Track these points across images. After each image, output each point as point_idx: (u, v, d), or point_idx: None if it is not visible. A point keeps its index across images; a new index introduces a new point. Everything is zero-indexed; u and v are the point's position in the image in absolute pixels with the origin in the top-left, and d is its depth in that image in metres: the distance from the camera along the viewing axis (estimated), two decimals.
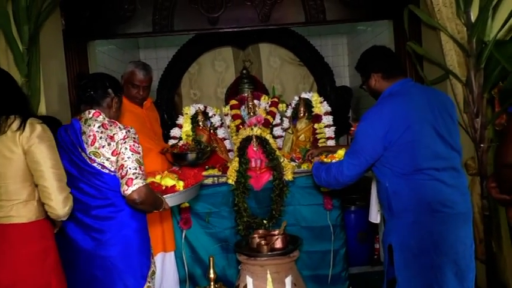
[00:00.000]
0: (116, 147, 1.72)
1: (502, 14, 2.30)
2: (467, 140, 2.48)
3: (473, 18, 2.37)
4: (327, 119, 2.89)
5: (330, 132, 2.87)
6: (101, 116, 1.80)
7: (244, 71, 4.27)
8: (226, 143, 2.99)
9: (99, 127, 1.75)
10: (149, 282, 1.85)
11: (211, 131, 2.96)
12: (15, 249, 1.53)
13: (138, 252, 1.83)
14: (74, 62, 2.86)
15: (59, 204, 1.55)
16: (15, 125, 1.54)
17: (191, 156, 2.53)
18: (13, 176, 1.54)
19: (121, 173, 1.71)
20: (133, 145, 1.74)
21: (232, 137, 2.94)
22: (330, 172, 2.01)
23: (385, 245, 1.93)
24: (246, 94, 3.20)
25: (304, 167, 2.68)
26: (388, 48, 2.08)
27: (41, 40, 2.38)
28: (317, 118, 2.89)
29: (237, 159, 2.63)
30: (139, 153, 1.76)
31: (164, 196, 1.92)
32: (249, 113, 3.01)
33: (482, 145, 2.40)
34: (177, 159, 2.58)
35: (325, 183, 2.10)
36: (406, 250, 1.83)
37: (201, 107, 2.97)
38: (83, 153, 1.75)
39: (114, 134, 1.73)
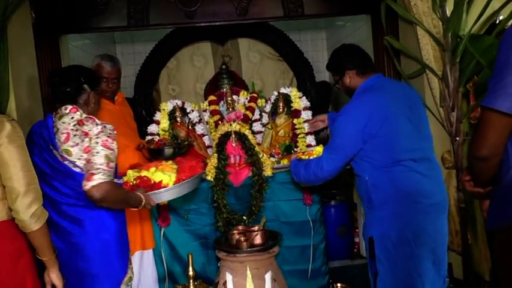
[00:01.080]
0: (89, 144, 1.65)
1: (476, 9, 2.33)
2: (443, 134, 2.52)
3: (448, 12, 2.39)
4: (306, 114, 2.88)
5: (309, 127, 2.86)
6: (78, 112, 1.72)
7: (224, 66, 4.23)
8: (205, 139, 2.95)
9: (74, 125, 1.68)
10: None
11: (190, 127, 2.92)
12: None
13: (115, 256, 1.77)
14: (46, 57, 2.75)
15: (23, 207, 1.48)
16: None
17: (168, 151, 2.50)
18: None
19: (86, 167, 1.65)
20: (107, 140, 1.66)
21: (211, 133, 2.90)
22: (309, 168, 2.02)
23: (366, 238, 1.96)
24: (224, 89, 3.16)
25: (284, 162, 2.67)
26: (357, 46, 2.13)
27: (9, 34, 2.28)
28: (296, 113, 2.88)
29: (215, 155, 2.60)
30: (112, 149, 1.68)
31: (150, 192, 1.87)
32: (227, 109, 2.98)
33: (457, 138, 2.43)
34: (154, 154, 2.53)
35: (304, 180, 2.10)
36: (387, 242, 1.86)
37: (179, 102, 2.92)
38: (54, 151, 1.69)
39: (89, 130, 1.66)
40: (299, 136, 2.83)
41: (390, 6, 2.62)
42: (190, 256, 2.26)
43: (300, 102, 2.91)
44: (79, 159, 1.66)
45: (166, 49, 4.37)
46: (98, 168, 1.62)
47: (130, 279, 1.83)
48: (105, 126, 1.69)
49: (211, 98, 3.03)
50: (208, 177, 2.56)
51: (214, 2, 2.93)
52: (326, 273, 2.70)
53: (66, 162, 1.67)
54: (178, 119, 2.87)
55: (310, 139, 2.84)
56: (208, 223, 2.61)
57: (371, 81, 1.98)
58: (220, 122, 2.86)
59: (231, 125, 2.68)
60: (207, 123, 2.97)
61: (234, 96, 3.03)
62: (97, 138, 1.66)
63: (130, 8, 2.85)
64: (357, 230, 3.43)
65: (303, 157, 2.13)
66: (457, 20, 2.35)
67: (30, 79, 2.63)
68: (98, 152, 1.64)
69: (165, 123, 2.82)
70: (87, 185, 1.60)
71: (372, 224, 1.92)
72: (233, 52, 4.51)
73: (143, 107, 4.22)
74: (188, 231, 2.61)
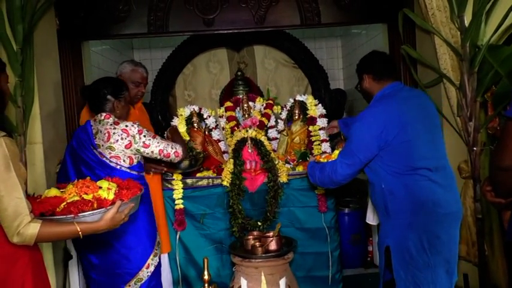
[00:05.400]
0: (133, 141, 2.04)
1: (495, 19, 2.32)
2: (461, 144, 2.51)
3: (466, 22, 2.39)
4: (322, 122, 2.90)
5: (324, 134, 2.88)
6: (110, 118, 2.08)
7: (239, 73, 4.27)
8: (221, 144, 2.99)
9: (111, 124, 2.05)
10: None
11: (206, 132, 2.96)
12: None
13: (145, 235, 2.15)
14: (68, 62, 2.84)
15: (11, 231, 1.39)
16: None
17: (184, 164, 2.49)
18: None
19: (164, 155, 2.15)
20: (149, 133, 2.13)
21: (227, 138, 2.93)
22: (324, 171, 2.04)
23: (382, 247, 1.96)
24: (241, 96, 3.20)
25: (299, 169, 2.69)
26: (385, 54, 2.17)
27: (35, 40, 2.36)
28: (312, 120, 2.90)
29: (231, 161, 2.63)
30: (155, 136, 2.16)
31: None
32: (243, 115, 3.01)
33: (475, 148, 2.42)
34: (170, 167, 2.52)
35: (320, 182, 2.13)
36: (404, 251, 1.87)
37: (196, 108, 2.96)
38: (94, 150, 2.05)
39: (129, 129, 2.05)
40: (314, 143, 2.85)
41: (408, 15, 2.63)
42: (205, 260, 2.27)
43: (315, 109, 2.93)
44: (122, 151, 2.04)
45: (182, 55, 4.44)
46: (167, 147, 2.15)
47: (156, 254, 2.19)
48: (139, 125, 2.10)
49: (228, 104, 3.07)
50: (224, 183, 2.59)
51: (233, 10, 2.97)
52: (340, 281, 2.70)
53: (104, 159, 2.04)
54: (195, 124, 2.91)
55: (326, 146, 2.85)
56: (223, 228, 2.63)
57: (388, 89, 2.01)
58: (236, 128, 2.89)
59: (247, 131, 2.71)
60: (223, 129, 3.00)
61: (250, 103, 3.07)
62: (144, 136, 2.08)
63: (150, 15, 2.91)
64: (370, 239, 3.41)
65: (321, 160, 2.15)
66: (476, 30, 2.35)
67: (54, 83, 2.71)
68: (158, 143, 2.12)
69: (182, 128, 2.87)
70: (176, 159, 2.21)
71: (388, 232, 1.93)
72: (249, 59, 4.55)
73: (159, 112, 4.29)
74: (203, 236, 2.64)
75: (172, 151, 2.16)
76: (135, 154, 2.09)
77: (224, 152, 2.96)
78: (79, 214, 1.44)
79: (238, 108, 3.06)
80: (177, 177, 2.62)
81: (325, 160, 2.11)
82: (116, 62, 3.89)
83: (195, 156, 2.60)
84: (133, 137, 2.04)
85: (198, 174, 2.69)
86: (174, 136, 2.45)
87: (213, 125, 2.99)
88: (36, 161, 2.40)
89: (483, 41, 2.36)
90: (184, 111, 2.94)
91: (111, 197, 1.53)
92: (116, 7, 2.89)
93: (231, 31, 3.06)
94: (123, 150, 2.04)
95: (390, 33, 3.08)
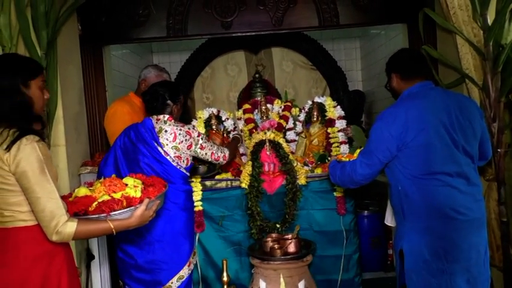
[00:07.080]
0: (193, 143, 2.23)
1: None
2: None
3: (489, 21, 2.34)
4: (341, 124, 2.88)
5: (343, 136, 2.86)
6: (173, 120, 2.26)
7: (257, 75, 4.28)
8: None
9: (176, 126, 2.21)
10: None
11: (225, 134, 2.97)
12: (21, 251, 1.49)
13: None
14: (90, 66, 2.91)
15: (49, 230, 1.45)
16: (5, 143, 1.42)
17: (202, 169, 2.54)
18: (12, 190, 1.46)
19: (214, 158, 2.35)
20: (205, 136, 2.37)
21: (245, 141, 2.94)
22: (345, 170, 2.02)
23: (397, 249, 1.92)
24: (259, 98, 3.20)
25: (318, 171, 2.67)
26: (415, 51, 2.13)
27: (58, 45, 2.42)
28: (330, 122, 2.88)
29: (250, 163, 2.64)
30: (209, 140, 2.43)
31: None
32: (262, 117, 3.02)
33: (499, 150, 2.35)
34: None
35: (340, 181, 2.11)
36: (417, 255, 1.82)
37: (215, 111, 2.99)
38: (158, 147, 2.19)
39: (191, 132, 2.24)
40: (333, 145, 2.84)
41: (428, 15, 2.59)
42: (225, 262, 2.29)
43: (334, 111, 2.91)
44: (184, 153, 2.23)
45: (201, 58, 4.49)
46: (217, 151, 2.36)
47: (195, 253, 2.39)
48: (197, 129, 2.32)
49: (246, 106, 3.08)
50: (243, 185, 2.60)
51: (250, 12, 2.99)
52: (359, 284, 2.67)
53: (167, 157, 2.20)
54: (214, 126, 2.94)
55: (344, 148, 2.83)
56: (242, 230, 2.64)
57: (415, 88, 1.93)
58: (254, 130, 2.90)
59: (265, 133, 2.71)
60: (242, 131, 3.01)
61: (268, 105, 3.07)
62: (201, 139, 2.29)
63: (169, 19, 2.96)
64: (390, 242, 3.37)
65: (343, 159, 2.12)
66: (499, 29, 2.29)
67: (76, 87, 2.77)
68: (211, 145, 2.35)
69: (201, 130, 2.89)
70: (223, 162, 2.42)
71: (402, 236, 1.89)
72: (266, 61, 4.57)
73: None
74: (222, 238, 2.65)
75: (221, 155, 2.38)
76: (191, 155, 2.28)
77: (242, 154, 2.96)
78: (111, 213, 1.51)
79: (256, 110, 3.07)
80: (195, 179, 2.64)
81: (347, 159, 2.08)
82: (135, 65, 3.97)
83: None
84: (194, 139, 2.25)
85: (217, 176, 2.70)
86: (232, 144, 2.68)
87: (231, 127, 3.00)
88: (59, 163, 2.46)
89: (507, 39, 2.30)
90: (203, 114, 2.97)
91: (138, 194, 1.61)
92: (136, 12, 2.94)
93: (249, 33, 3.08)
94: (185, 152, 2.23)
95: (410, 34, 3.04)
